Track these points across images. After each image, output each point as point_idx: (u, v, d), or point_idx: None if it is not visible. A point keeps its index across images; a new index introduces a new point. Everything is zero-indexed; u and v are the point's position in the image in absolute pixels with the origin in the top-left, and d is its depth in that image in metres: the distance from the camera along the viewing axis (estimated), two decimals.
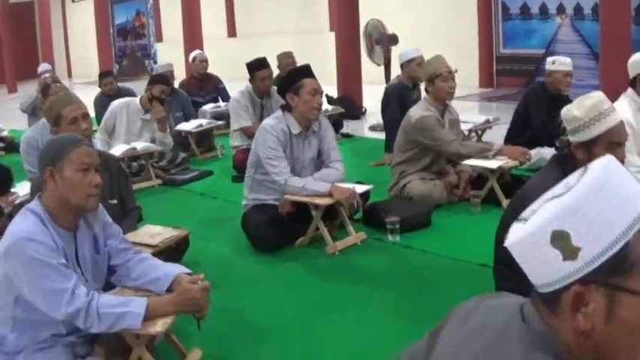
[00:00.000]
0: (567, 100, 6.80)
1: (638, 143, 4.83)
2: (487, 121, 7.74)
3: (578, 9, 11.98)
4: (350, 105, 10.28)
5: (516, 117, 7.02)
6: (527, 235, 1.24)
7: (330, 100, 10.32)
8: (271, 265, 4.52)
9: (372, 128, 9.49)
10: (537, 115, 6.56)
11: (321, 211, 4.60)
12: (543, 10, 12.43)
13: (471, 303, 1.45)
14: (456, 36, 13.44)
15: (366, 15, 10.96)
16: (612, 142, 3.23)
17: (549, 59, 7.03)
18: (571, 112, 3.30)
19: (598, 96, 3.31)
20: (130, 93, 8.75)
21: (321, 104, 4.83)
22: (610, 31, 8.50)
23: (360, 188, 4.79)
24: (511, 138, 6.94)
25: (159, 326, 2.75)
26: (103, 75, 9.58)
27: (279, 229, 4.69)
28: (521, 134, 6.80)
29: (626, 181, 1.21)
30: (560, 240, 1.21)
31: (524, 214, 1.28)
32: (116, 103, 7.12)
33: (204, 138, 8.17)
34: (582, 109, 3.27)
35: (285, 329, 3.60)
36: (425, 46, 13.73)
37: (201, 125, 7.97)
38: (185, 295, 2.86)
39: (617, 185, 1.21)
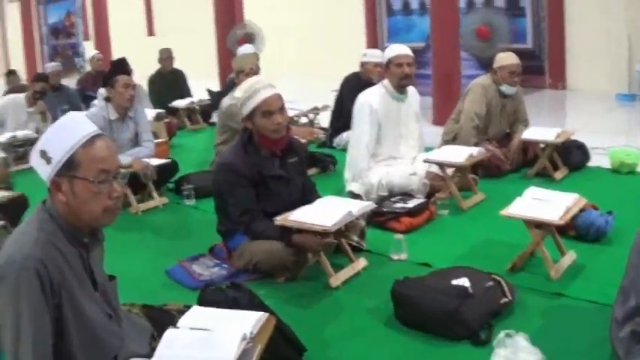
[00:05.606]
0: None
1: (373, 119, 5.58)
2: (315, 108, 8.65)
3: None
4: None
5: (336, 103, 7.85)
6: (33, 162, 2.24)
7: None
8: None
9: None
10: (351, 101, 6.69)
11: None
12: (422, 6, 13.01)
13: None
14: (343, 31, 14.29)
15: (257, 12, 11.95)
16: (264, 111, 3.89)
17: (362, 52, 7.98)
18: (235, 93, 4.05)
19: (256, 78, 4.04)
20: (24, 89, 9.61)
21: (132, 95, 5.82)
22: (440, 21, 9.06)
23: (156, 162, 5.91)
24: (333, 121, 7.84)
25: None
26: (9, 73, 10.59)
27: None
28: (339, 118, 7.63)
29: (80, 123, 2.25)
30: (43, 154, 2.19)
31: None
32: (5, 99, 8.25)
33: None
34: (241, 90, 4.00)
35: None
36: (316, 41, 14.82)
37: None
38: None
39: (70, 124, 2.22)
